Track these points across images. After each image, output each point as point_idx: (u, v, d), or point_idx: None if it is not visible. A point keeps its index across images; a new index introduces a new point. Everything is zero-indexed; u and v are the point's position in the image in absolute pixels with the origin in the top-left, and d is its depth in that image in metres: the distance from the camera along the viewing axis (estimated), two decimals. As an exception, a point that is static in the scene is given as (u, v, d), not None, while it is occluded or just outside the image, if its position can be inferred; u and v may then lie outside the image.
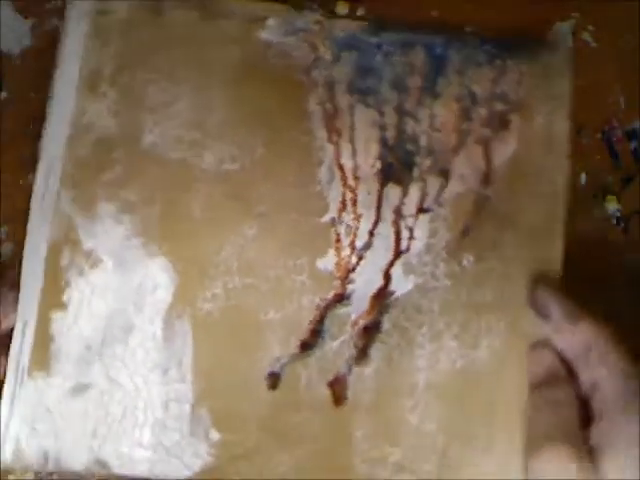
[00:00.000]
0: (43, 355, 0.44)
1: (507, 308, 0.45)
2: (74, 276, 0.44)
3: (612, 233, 0.51)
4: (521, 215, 0.46)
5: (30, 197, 0.46)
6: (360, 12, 0.51)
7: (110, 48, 0.46)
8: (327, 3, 0.50)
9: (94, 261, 0.45)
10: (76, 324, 0.44)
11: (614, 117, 0.52)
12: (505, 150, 0.46)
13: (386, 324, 0.45)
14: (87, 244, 0.45)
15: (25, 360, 0.44)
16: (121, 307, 0.45)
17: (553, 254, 0.45)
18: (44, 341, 0.44)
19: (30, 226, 0.45)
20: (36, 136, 0.47)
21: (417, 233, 0.46)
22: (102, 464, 0.43)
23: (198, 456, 0.43)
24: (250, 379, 0.44)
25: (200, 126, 0.46)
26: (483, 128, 0.46)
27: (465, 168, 0.46)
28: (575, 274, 0.45)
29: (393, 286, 0.45)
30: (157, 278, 0.45)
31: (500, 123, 0.46)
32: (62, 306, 0.44)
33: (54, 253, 0.44)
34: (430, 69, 0.47)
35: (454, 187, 0.46)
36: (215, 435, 0.43)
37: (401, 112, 0.46)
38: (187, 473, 0.43)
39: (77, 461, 0.43)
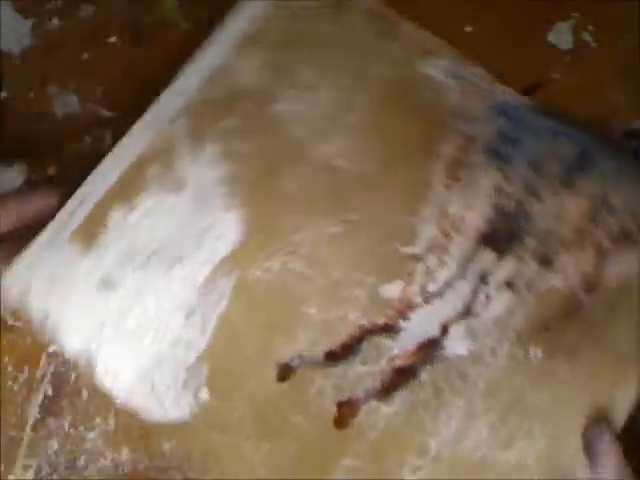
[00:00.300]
0: (92, 231, 0.43)
1: (557, 423, 0.40)
2: (154, 188, 0.44)
3: None
4: (611, 335, 0.42)
5: None
6: None
7: (280, 22, 0.49)
8: None
9: (177, 187, 0.45)
10: (133, 229, 0.44)
11: (614, 117, 0.50)
12: (621, 265, 0.43)
13: (424, 375, 0.41)
14: (179, 171, 0.45)
15: (73, 224, 0.43)
16: (181, 237, 0.44)
17: (625, 394, 0.41)
18: (99, 221, 0.43)
19: (135, 128, 0.46)
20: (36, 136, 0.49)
21: (493, 304, 0.42)
22: (89, 360, 0.42)
23: (179, 407, 0.41)
24: (264, 360, 0.42)
25: (331, 119, 0.47)
26: (605, 236, 0.44)
27: (571, 266, 0.43)
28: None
29: (447, 342, 0.42)
30: (226, 230, 0.45)
31: (625, 237, 0.44)
32: (129, 206, 0.44)
33: (144, 161, 0.45)
34: (573, 162, 0.46)
35: (551, 279, 0.43)
36: (204, 395, 0.41)
37: (528, 189, 0.45)
38: (158, 417, 0.41)
39: (70, 341, 0.42)
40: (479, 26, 0.51)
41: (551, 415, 0.40)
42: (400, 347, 0.42)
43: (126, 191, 0.44)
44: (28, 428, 0.45)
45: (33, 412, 0.45)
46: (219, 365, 0.42)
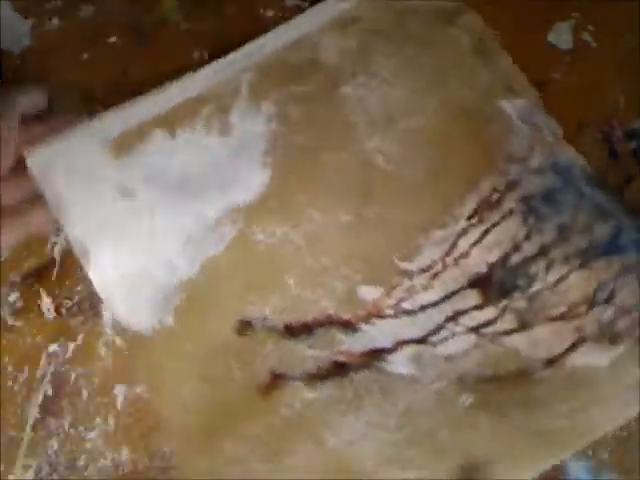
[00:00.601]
0: (129, 144, 0.47)
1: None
2: (201, 125, 0.47)
3: None
4: (539, 413, 0.43)
5: None
6: None
7: (380, 13, 0.51)
8: None
9: (223, 131, 0.47)
10: (169, 153, 0.47)
11: (614, 117, 0.49)
12: (588, 359, 0.43)
13: (356, 377, 0.43)
14: (230, 117, 0.48)
15: (111, 132, 0.47)
16: (209, 177, 0.47)
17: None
18: (139, 137, 0.47)
19: (201, 71, 0.49)
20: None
21: (453, 343, 0.43)
22: (84, 251, 0.45)
23: (145, 320, 0.44)
24: (232, 310, 0.44)
25: (391, 117, 0.48)
26: (592, 326, 0.43)
27: (545, 338, 0.43)
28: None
29: (393, 358, 0.43)
30: (251, 185, 0.47)
31: (607, 335, 0.43)
32: (173, 133, 0.48)
33: (202, 99, 0.48)
34: (601, 243, 0.45)
35: (519, 342, 0.43)
36: (170, 320, 0.44)
37: (543, 252, 0.44)
38: (124, 323, 0.44)
39: (73, 228, 0.45)
40: None
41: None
42: (350, 345, 0.43)
43: (175, 120, 0.47)
44: (28, 428, 0.45)
45: (33, 412, 0.45)
46: (192, 298, 0.44)
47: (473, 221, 0.45)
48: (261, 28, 0.51)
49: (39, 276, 0.47)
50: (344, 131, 0.48)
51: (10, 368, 0.46)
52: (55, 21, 0.51)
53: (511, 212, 0.45)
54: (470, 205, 0.46)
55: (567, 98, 0.51)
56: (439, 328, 0.44)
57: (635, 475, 0.45)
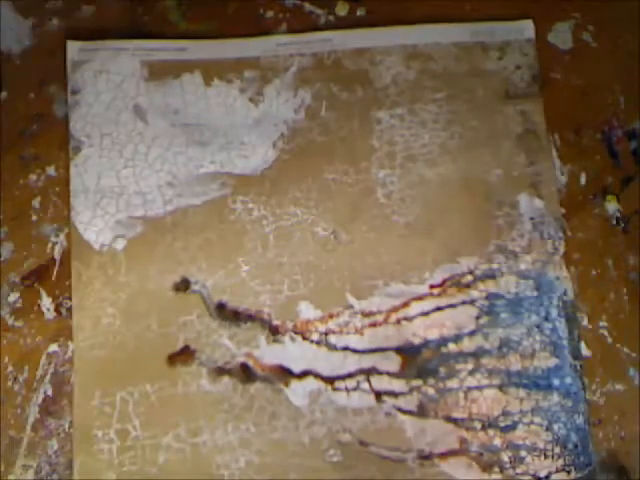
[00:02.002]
0: (163, 72, 0.50)
1: None
2: (237, 83, 0.50)
3: (612, 233, 0.49)
4: None
5: (30, 197, 0.48)
6: (360, 12, 0.51)
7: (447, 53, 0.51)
8: (327, 3, 0.51)
9: (254, 97, 0.49)
10: (196, 95, 0.49)
11: (614, 117, 0.50)
12: (458, 474, 0.45)
13: (254, 388, 0.45)
14: (266, 89, 0.50)
15: (151, 57, 0.49)
16: (221, 131, 0.49)
17: None
18: (180, 68, 0.50)
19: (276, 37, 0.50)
20: (36, 136, 0.49)
21: (354, 397, 0.46)
22: (77, 146, 0.48)
23: (102, 233, 0.47)
24: (179, 265, 0.47)
25: (411, 154, 0.49)
26: (478, 446, 0.45)
27: (436, 434, 0.45)
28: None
29: (295, 385, 0.46)
30: (255, 157, 0.49)
31: (484, 463, 0.45)
32: (210, 80, 0.50)
33: (254, 63, 0.50)
34: (534, 374, 0.46)
35: (408, 425, 0.45)
36: (119, 246, 0.47)
37: (477, 354, 0.46)
38: (85, 235, 0.47)
39: (83, 120, 0.49)
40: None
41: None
42: (265, 353, 0.46)
43: (218, 71, 0.49)
44: (28, 428, 0.45)
45: (33, 412, 0.46)
46: (150, 237, 0.47)
47: (434, 292, 0.47)
48: (261, 28, 0.50)
49: (39, 276, 0.48)
50: (361, 150, 0.49)
51: (10, 368, 0.46)
52: (55, 21, 0.48)
53: (472, 302, 0.47)
54: (440, 275, 0.48)
55: (567, 98, 0.51)
56: (349, 376, 0.46)
57: (635, 475, 0.46)
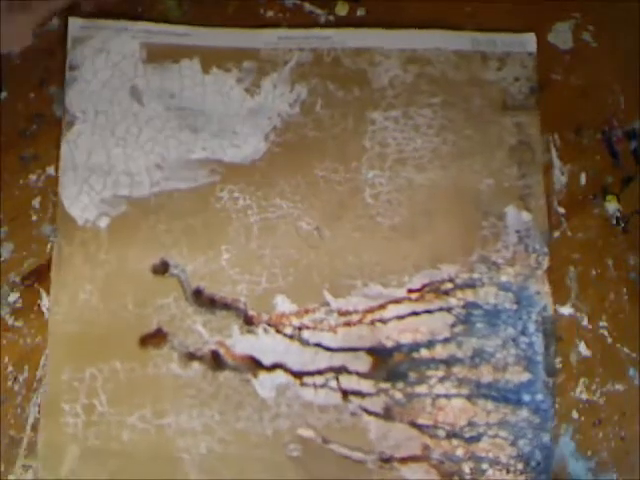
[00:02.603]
0: (163, 56, 0.50)
1: None
2: (235, 72, 0.50)
3: (612, 233, 0.48)
4: None
5: (30, 197, 0.48)
6: (360, 12, 0.51)
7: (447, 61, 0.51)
8: (327, 3, 0.51)
9: (250, 88, 0.50)
10: (193, 81, 0.50)
11: (614, 117, 0.50)
12: None
13: (223, 377, 0.46)
14: (263, 81, 0.50)
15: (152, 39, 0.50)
16: (215, 119, 0.49)
17: None
18: (179, 53, 0.50)
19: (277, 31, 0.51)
20: (36, 136, 0.49)
21: (321, 394, 0.46)
22: (71, 120, 0.49)
23: (83, 210, 0.48)
24: (160, 248, 0.47)
25: (402, 157, 0.49)
26: (439, 455, 0.45)
27: (400, 438, 0.45)
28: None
29: (264, 377, 0.46)
30: (247, 147, 0.49)
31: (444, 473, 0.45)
32: (209, 68, 0.50)
33: (254, 55, 0.50)
34: (505, 387, 0.46)
35: (373, 426, 0.45)
36: (102, 224, 0.47)
37: (449, 362, 0.46)
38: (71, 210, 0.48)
39: (80, 97, 0.49)
40: (479, 26, 0.50)
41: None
42: (237, 343, 0.46)
43: (217, 59, 0.50)
44: (28, 428, 0.45)
45: (33, 412, 0.45)
46: (133, 218, 0.48)
47: (412, 296, 0.47)
48: (261, 28, 0.50)
49: (39, 276, 0.47)
50: (352, 150, 0.49)
51: (10, 368, 0.46)
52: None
53: (449, 309, 0.47)
54: (420, 280, 0.47)
55: (567, 98, 0.50)
56: (318, 372, 0.46)
57: (635, 475, 0.46)
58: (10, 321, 0.47)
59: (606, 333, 0.47)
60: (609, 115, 0.50)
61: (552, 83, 0.50)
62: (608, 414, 0.46)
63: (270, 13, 0.51)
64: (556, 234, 0.48)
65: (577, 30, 0.51)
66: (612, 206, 0.49)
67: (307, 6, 0.51)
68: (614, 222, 0.49)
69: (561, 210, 0.49)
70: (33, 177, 0.48)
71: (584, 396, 0.46)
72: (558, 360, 0.46)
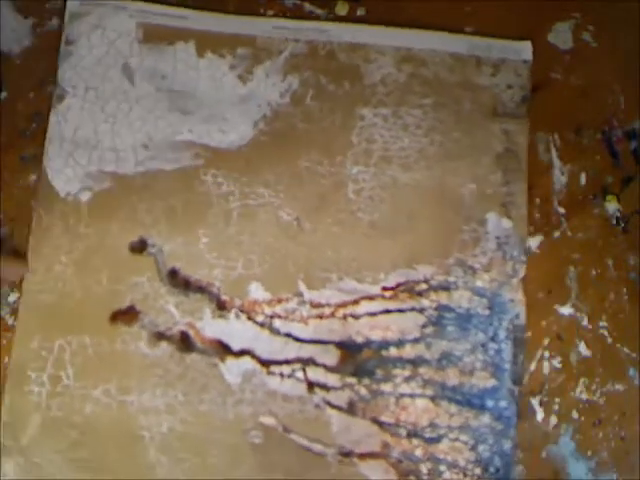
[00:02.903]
0: (159, 38, 0.50)
1: None
2: (229, 58, 0.50)
3: (612, 233, 0.48)
4: None
5: (30, 197, 0.48)
6: (360, 12, 0.51)
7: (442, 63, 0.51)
8: (327, 3, 0.51)
9: (243, 75, 0.50)
10: (186, 64, 0.50)
11: (614, 117, 0.50)
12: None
13: (190, 359, 0.46)
14: (261, 72, 0.50)
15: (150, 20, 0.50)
16: (204, 103, 0.49)
17: None
18: (175, 35, 0.50)
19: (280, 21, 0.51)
20: (36, 136, 0.49)
21: (287, 383, 0.46)
22: (61, 93, 0.49)
23: (67, 182, 0.48)
24: (139, 227, 0.48)
25: (387, 155, 0.49)
26: (399, 453, 0.45)
27: (361, 433, 0.45)
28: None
29: (232, 362, 0.46)
30: (233, 133, 0.49)
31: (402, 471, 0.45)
32: (203, 52, 0.50)
33: (250, 42, 0.50)
34: (470, 391, 0.46)
35: (336, 419, 0.46)
36: (84, 198, 0.48)
37: (416, 362, 0.46)
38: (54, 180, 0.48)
39: (72, 71, 0.49)
40: (479, 26, 0.50)
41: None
42: (207, 326, 0.46)
43: (212, 44, 0.50)
44: None
45: None
46: (115, 194, 0.48)
47: (386, 294, 0.47)
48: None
49: None
50: (339, 144, 0.49)
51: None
52: (55, 21, 0.48)
53: (421, 310, 0.47)
54: (395, 279, 0.47)
55: (567, 98, 0.50)
56: (286, 362, 0.46)
57: (635, 475, 0.46)
58: (10, 321, 0.47)
59: (606, 333, 0.47)
60: (609, 115, 0.51)
61: (552, 83, 0.50)
62: (608, 414, 0.46)
63: (270, 12, 0.51)
64: (556, 234, 0.48)
65: (577, 30, 0.51)
66: (612, 206, 0.49)
67: (307, 6, 0.51)
68: (614, 222, 0.49)
69: (561, 210, 0.49)
70: (33, 177, 0.48)
71: (584, 396, 0.46)
72: (533, 366, 0.47)
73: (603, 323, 0.47)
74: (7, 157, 0.49)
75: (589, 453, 0.46)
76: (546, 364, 0.46)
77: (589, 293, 0.47)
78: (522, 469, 0.45)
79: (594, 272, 0.48)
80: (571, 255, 0.48)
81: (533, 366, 0.46)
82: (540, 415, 0.46)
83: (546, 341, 0.47)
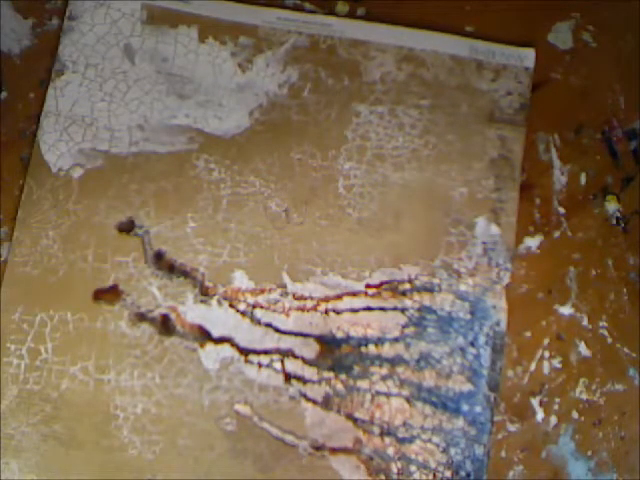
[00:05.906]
0: (168, 18, 0.51)
1: None
2: (234, 46, 0.50)
3: (612, 233, 0.49)
4: None
5: None
6: (360, 12, 0.51)
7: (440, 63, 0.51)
8: (327, 3, 0.51)
9: (243, 63, 0.50)
10: (187, 49, 0.50)
11: (614, 117, 0.50)
12: (345, 474, 0.45)
13: (169, 342, 0.46)
14: (261, 61, 0.50)
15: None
16: (202, 88, 0.49)
17: None
18: (179, 19, 0.50)
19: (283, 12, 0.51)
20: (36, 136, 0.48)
21: (264, 373, 0.46)
22: (64, 63, 0.49)
23: (60, 159, 0.48)
24: (128, 206, 0.48)
25: (381, 153, 0.49)
26: (371, 450, 0.45)
27: (334, 428, 0.45)
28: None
29: (210, 348, 0.46)
30: (229, 121, 0.49)
31: (373, 468, 0.45)
32: (205, 37, 0.50)
33: (252, 31, 0.50)
34: (446, 395, 0.46)
35: (310, 413, 0.46)
36: (75, 175, 0.48)
37: (394, 361, 0.46)
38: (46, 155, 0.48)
39: (73, 46, 0.50)
40: (479, 26, 0.50)
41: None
42: (189, 311, 0.46)
43: (215, 30, 0.50)
44: None
45: None
46: (105, 173, 0.48)
47: (369, 291, 0.47)
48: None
49: None
50: (333, 138, 0.49)
51: None
52: (55, 21, 0.49)
53: (403, 310, 0.47)
54: (379, 276, 0.47)
55: (567, 98, 0.50)
56: (265, 352, 0.46)
57: (635, 475, 0.46)
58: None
59: (606, 333, 0.47)
60: (609, 115, 0.50)
61: (552, 83, 0.50)
62: (608, 414, 0.46)
63: (270, 12, 0.51)
64: (556, 234, 0.48)
65: (577, 30, 0.51)
66: (612, 206, 0.49)
67: (307, 6, 0.51)
68: (614, 222, 0.49)
69: (561, 210, 0.49)
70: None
71: (584, 396, 0.46)
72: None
73: (603, 323, 0.47)
74: (7, 157, 0.49)
75: (589, 453, 0.46)
76: (546, 364, 0.47)
77: (589, 293, 0.47)
78: (522, 469, 0.45)
79: (594, 272, 0.48)
80: (571, 255, 0.48)
81: (533, 366, 0.46)
82: (540, 415, 0.46)
83: (546, 341, 0.47)
